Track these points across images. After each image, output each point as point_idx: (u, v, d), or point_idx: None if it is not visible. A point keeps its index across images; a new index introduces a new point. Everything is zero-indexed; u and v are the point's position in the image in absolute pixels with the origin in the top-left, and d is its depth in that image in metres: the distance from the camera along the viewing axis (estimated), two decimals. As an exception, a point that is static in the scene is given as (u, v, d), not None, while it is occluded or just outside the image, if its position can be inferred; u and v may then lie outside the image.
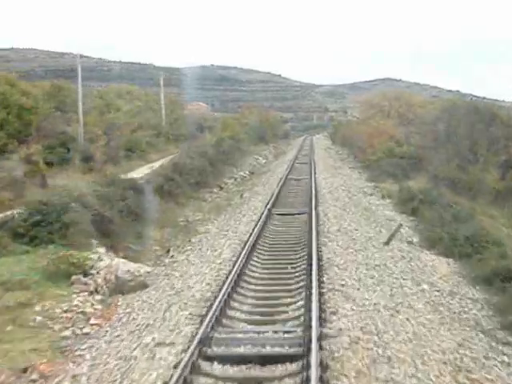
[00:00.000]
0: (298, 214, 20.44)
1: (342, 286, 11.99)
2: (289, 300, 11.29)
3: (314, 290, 10.67)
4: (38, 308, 11.20)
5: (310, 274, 11.98)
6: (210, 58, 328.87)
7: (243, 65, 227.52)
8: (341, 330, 9.37)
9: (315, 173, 34.40)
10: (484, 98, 78.62)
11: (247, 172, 37.60)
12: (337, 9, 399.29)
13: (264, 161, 47.47)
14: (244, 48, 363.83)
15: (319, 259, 13.61)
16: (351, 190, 29.63)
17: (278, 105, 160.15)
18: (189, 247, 17.40)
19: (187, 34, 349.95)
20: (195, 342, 8.62)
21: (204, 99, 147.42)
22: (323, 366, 7.85)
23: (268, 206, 21.16)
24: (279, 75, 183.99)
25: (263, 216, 19.00)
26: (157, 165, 30.72)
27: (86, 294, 12.18)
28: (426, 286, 13.46)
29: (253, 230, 17.11)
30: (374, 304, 10.95)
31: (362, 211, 23.14)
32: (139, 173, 27.48)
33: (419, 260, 16.74)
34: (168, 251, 17.40)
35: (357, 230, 18.16)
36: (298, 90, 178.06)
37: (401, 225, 18.83)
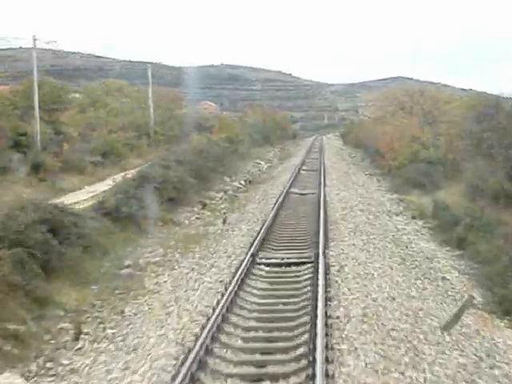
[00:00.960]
0: (297, 263, 12.80)
1: None
2: None
3: None
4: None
5: None
6: (220, 57, 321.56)
7: (253, 64, 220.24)
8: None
9: (325, 184, 26.93)
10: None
11: (243, 182, 30.18)
12: (348, 7, 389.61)
13: (266, 166, 40.06)
14: (254, 47, 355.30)
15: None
16: (372, 209, 22.13)
17: (288, 104, 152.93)
18: (109, 333, 9.97)
19: (197, 32, 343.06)
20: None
21: (213, 98, 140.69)
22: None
23: (254, 246, 13.76)
24: (289, 74, 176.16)
25: (240, 272, 11.48)
26: (131, 173, 23.49)
27: None
28: None
29: (213, 309, 9.70)
30: None
31: (391, 248, 15.66)
32: (91, 191, 20.35)
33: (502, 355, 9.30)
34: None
35: (392, 298, 10.66)
36: (309, 89, 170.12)
37: (472, 298, 11.07)
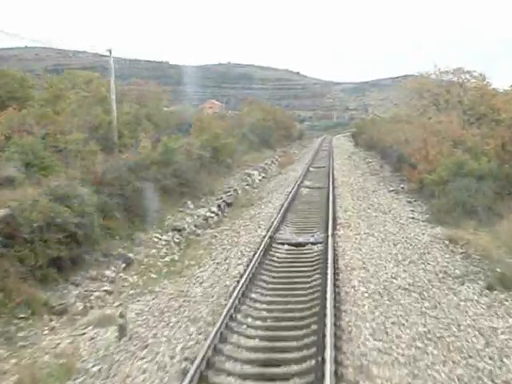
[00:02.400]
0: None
1: None
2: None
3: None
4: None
5: None
6: (228, 56, 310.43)
7: (261, 62, 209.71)
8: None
9: (335, 217, 16.56)
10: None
11: (216, 208, 19.78)
12: (358, 5, 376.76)
13: (259, 178, 29.70)
14: (262, 46, 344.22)
15: None
16: (412, 270, 11.81)
17: (295, 103, 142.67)
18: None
19: (204, 32, 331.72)
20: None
21: (220, 97, 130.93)
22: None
23: None
24: (297, 73, 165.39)
25: None
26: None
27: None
28: None
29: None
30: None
31: None
32: None
33: None
34: None
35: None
36: (317, 88, 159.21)
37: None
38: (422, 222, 19.15)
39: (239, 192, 24.22)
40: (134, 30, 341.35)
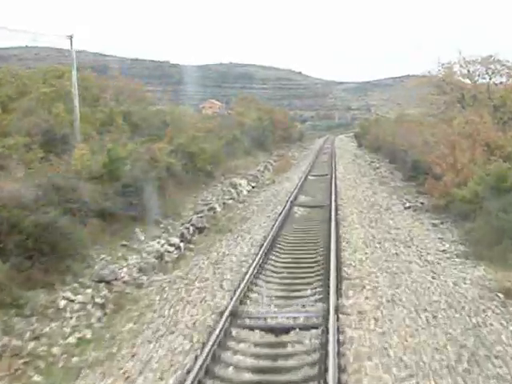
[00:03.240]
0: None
1: None
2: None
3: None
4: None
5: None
6: (229, 56, 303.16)
7: (263, 62, 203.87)
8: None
9: (338, 266, 10.74)
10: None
11: (175, 239, 14.08)
12: (360, 5, 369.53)
13: (248, 189, 24.14)
14: (264, 46, 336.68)
15: None
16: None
17: (297, 103, 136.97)
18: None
19: (205, 31, 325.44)
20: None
21: (221, 97, 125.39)
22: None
23: None
24: (299, 72, 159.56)
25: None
26: None
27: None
28: None
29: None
30: None
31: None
32: None
33: None
34: None
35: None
36: (319, 88, 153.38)
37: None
38: (457, 256, 13.63)
39: (218, 210, 18.68)
40: (134, 29, 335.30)
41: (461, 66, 21.83)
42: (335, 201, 18.16)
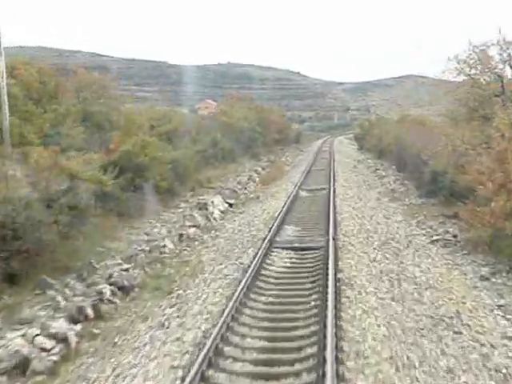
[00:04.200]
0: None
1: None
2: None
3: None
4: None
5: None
6: (228, 56, 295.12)
7: (261, 63, 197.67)
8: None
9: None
10: None
11: (53, 338, 7.89)
12: (359, 5, 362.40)
13: (222, 209, 18.04)
14: (262, 46, 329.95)
15: None
16: None
17: (296, 103, 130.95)
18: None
19: (203, 31, 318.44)
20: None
21: (219, 98, 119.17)
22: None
23: None
24: (298, 72, 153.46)
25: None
26: None
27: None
28: None
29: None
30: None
31: None
32: None
33: None
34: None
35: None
36: (318, 88, 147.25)
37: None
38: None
39: (168, 248, 12.67)
40: (131, 29, 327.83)
41: (500, 47, 15.88)
42: (334, 238, 12.05)
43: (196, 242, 14.26)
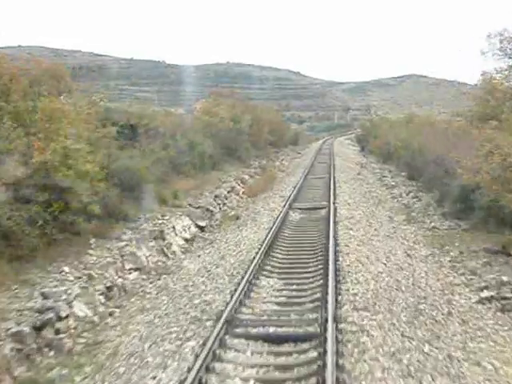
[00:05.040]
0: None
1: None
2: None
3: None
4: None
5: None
6: (227, 56, 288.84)
7: (261, 62, 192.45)
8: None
9: None
10: None
11: None
12: (359, 4, 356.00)
13: (188, 237, 13.31)
14: (262, 45, 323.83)
15: None
16: None
17: (296, 103, 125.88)
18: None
19: (203, 31, 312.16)
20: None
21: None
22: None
23: None
24: (298, 72, 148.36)
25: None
26: None
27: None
28: None
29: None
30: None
31: None
32: None
33: None
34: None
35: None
36: (318, 88, 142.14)
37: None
38: None
39: (70, 325, 7.82)
40: (130, 29, 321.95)
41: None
42: (336, 307, 7.15)
43: (133, 299, 9.39)
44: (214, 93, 34.31)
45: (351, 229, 12.55)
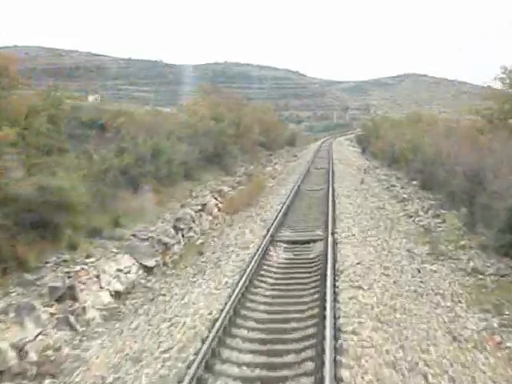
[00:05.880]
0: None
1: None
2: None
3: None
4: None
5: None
6: (225, 55, 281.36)
7: (259, 62, 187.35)
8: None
9: None
10: None
11: None
12: (358, 3, 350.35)
13: (121, 288, 8.83)
14: (261, 45, 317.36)
15: None
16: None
17: (295, 103, 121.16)
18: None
19: (201, 30, 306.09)
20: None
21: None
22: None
23: None
24: (296, 72, 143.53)
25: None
26: None
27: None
28: None
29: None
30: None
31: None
32: None
33: None
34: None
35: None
36: (317, 87, 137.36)
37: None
38: None
39: None
40: (129, 28, 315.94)
41: None
42: None
43: None
44: (202, 89, 29.45)
45: (360, 287, 7.87)
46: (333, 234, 11.04)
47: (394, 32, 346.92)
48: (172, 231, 12.13)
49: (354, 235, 11.39)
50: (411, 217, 15.50)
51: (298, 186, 19.92)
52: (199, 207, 14.75)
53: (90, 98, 41.16)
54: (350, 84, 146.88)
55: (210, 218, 14.74)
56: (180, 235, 12.46)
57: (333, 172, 24.57)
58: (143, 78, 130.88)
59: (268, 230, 11.53)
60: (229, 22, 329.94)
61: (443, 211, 15.64)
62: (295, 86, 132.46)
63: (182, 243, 12.14)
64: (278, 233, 11.63)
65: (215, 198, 16.91)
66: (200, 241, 12.63)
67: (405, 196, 18.80)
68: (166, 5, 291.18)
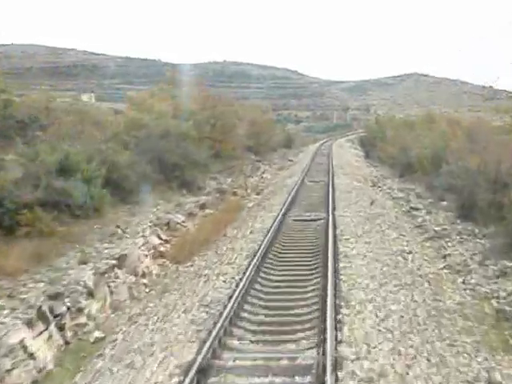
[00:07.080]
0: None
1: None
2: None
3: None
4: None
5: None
6: (224, 54, 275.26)
7: (258, 61, 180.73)
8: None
9: None
10: None
11: None
12: (358, 3, 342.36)
13: None
14: (260, 44, 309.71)
15: None
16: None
17: (294, 102, 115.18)
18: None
19: (200, 29, 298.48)
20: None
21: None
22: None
23: None
24: (295, 71, 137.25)
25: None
26: None
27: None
28: None
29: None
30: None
31: None
32: None
33: None
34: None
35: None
36: (316, 87, 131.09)
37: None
38: None
39: None
40: (126, 27, 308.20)
41: None
42: None
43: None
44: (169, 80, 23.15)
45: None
46: (335, 321, 4.86)
47: (394, 32, 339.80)
48: (24, 332, 5.98)
49: (372, 332, 5.23)
50: (457, 274, 9.36)
51: (288, 209, 13.82)
52: (113, 260, 8.61)
53: (84, 97, 38.45)
54: (350, 84, 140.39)
55: (134, 279, 8.63)
56: (67, 316, 6.33)
57: (333, 186, 18.47)
58: (141, 76, 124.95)
59: (225, 307, 5.39)
60: (228, 20, 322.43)
61: (507, 263, 9.55)
62: (294, 86, 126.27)
63: (54, 351, 6.02)
64: (235, 329, 5.49)
65: (158, 236, 10.81)
66: (89, 343, 6.52)
67: (436, 229, 12.63)
68: (164, 3, 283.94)
